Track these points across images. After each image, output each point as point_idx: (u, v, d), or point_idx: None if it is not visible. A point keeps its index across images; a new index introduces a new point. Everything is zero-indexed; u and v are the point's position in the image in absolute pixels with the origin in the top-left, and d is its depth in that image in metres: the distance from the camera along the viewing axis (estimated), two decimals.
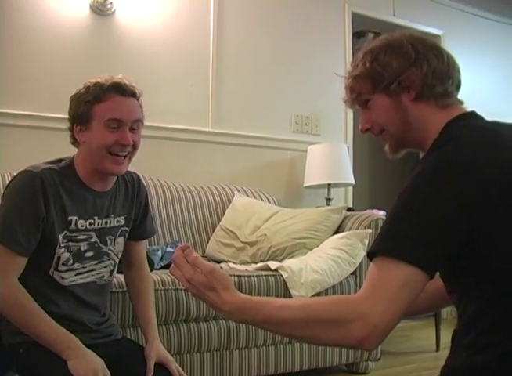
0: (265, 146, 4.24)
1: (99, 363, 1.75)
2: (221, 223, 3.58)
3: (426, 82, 1.32)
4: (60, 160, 1.95)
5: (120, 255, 2.05)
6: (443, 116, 1.32)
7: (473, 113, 1.35)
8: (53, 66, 3.50)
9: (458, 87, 1.38)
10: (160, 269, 2.91)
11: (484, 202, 1.13)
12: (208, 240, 3.54)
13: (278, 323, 1.19)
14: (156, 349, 1.97)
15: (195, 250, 3.35)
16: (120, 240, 2.03)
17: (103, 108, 1.84)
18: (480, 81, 5.14)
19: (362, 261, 3.12)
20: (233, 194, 3.74)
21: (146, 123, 3.53)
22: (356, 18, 4.76)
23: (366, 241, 3.12)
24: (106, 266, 1.98)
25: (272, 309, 1.19)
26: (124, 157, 1.88)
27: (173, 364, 1.97)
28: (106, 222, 1.97)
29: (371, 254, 1.17)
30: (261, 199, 3.84)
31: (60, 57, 3.52)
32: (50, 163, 1.92)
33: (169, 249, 3.10)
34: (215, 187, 3.76)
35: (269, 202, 3.85)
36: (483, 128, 1.28)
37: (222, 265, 3.24)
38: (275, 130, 4.31)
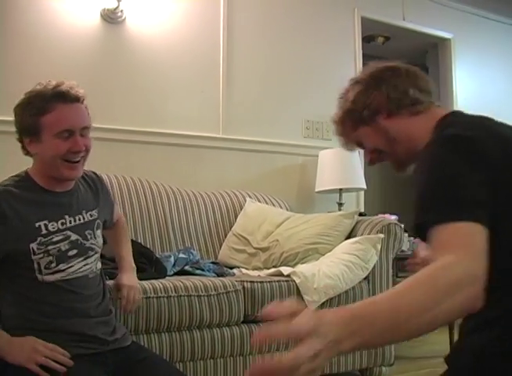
0: (276, 152, 4.25)
1: (30, 340, 1.78)
2: (233, 229, 3.58)
3: (390, 99, 1.45)
4: (16, 176, 1.96)
5: (102, 246, 2.09)
6: (420, 120, 1.43)
7: (457, 111, 1.44)
8: (65, 74, 3.49)
9: (428, 92, 1.48)
10: (172, 275, 2.91)
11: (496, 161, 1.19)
12: (220, 246, 3.54)
13: (399, 320, 0.97)
14: (127, 278, 2.20)
15: (207, 256, 3.40)
16: (99, 232, 2.06)
17: (51, 119, 1.84)
18: (490, 84, 5.13)
19: (374, 266, 3.11)
20: (245, 200, 3.74)
21: (158, 130, 3.60)
22: (366, 22, 4.77)
23: (379, 246, 3.11)
24: (94, 260, 2.01)
25: (377, 306, 0.98)
26: (78, 161, 1.91)
27: (125, 289, 2.17)
28: (79, 219, 1.98)
29: (423, 227, 1.12)
30: (273, 204, 3.84)
31: (71, 66, 3.54)
32: (5, 181, 1.93)
33: (181, 255, 3.10)
34: (227, 193, 3.77)
35: (281, 207, 3.85)
36: (473, 118, 1.36)
37: (235, 271, 3.25)
38: (286, 135, 4.32)
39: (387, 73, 1.48)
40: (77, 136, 1.87)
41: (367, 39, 5.14)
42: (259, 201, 3.80)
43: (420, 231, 1.14)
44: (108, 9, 3.63)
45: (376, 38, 5.26)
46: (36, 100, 1.85)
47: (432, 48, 5.42)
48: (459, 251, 1.04)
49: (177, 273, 2.97)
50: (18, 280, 1.87)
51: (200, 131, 3.93)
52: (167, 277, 2.78)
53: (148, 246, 3.12)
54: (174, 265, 3.01)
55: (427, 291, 0.99)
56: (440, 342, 4.02)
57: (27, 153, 1.94)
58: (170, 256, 3.05)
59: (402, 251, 3.69)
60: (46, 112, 1.83)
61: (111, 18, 3.65)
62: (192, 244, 3.44)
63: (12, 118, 1.92)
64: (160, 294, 2.48)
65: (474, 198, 1.13)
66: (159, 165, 3.66)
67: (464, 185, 1.15)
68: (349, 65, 4.67)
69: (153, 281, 2.54)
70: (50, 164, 1.88)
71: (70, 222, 1.95)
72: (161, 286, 2.51)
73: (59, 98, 1.85)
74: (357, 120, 1.50)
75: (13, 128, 1.92)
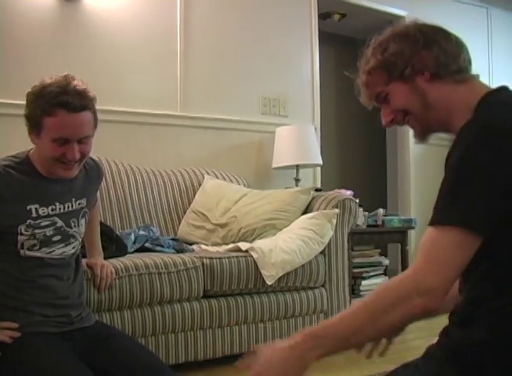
0: (233, 129, 4.29)
1: None
2: (191, 206, 3.63)
3: (438, 61, 1.35)
4: (15, 156, 2.00)
5: (83, 235, 2.14)
6: (462, 90, 1.35)
7: (503, 89, 1.36)
8: (22, 53, 3.49)
9: (470, 63, 1.40)
10: (133, 252, 2.96)
11: None
12: (180, 222, 3.59)
13: (347, 336, 1.21)
14: (99, 260, 2.41)
15: (167, 233, 3.44)
16: (83, 221, 2.12)
17: (51, 123, 1.86)
18: None
19: (330, 240, 3.20)
20: (203, 177, 3.79)
21: (116, 108, 3.61)
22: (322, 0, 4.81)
23: (334, 221, 3.20)
24: (73, 247, 2.07)
25: (334, 327, 1.22)
26: (72, 164, 1.95)
27: (98, 267, 2.38)
28: (68, 206, 2.04)
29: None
30: (231, 181, 3.90)
31: (27, 43, 3.51)
32: (5, 160, 1.98)
33: (141, 232, 3.14)
34: (185, 170, 3.81)
35: (239, 184, 3.90)
36: None
37: (194, 247, 3.30)
38: (244, 112, 4.36)
39: (441, 34, 1.39)
40: (73, 144, 1.89)
41: (323, 16, 5.17)
42: (217, 178, 3.85)
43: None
44: None
45: (332, 15, 5.30)
46: (44, 100, 1.86)
47: (387, 25, 5.46)
48: (422, 262, 1.17)
49: (137, 250, 3.01)
50: None
51: (158, 109, 3.95)
52: (127, 255, 2.83)
53: (108, 224, 3.15)
54: (134, 242, 3.05)
55: (367, 310, 1.20)
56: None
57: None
58: (130, 233, 3.08)
59: (357, 225, 3.79)
60: (50, 115, 1.85)
61: None
62: (151, 221, 3.48)
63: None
64: (121, 274, 2.53)
65: (485, 207, 1.16)
66: (117, 144, 3.68)
67: (482, 193, 1.16)
68: (305, 42, 4.71)
69: (114, 261, 2.59)
70: (46, 161, 1.94)
71: (60, 209, 2.00)
72: (122, 265, 2.56)
73: (63, 106, 1.85)
74: (394, 74, 1.38)
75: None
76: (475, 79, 1.39)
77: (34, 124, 1.90)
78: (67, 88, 1.87)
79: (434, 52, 1.35)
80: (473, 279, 1.27)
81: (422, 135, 1.44)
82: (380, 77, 1.41)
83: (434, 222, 1.20)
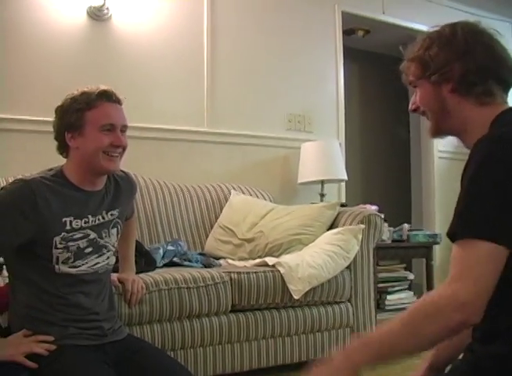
0: (259, 145, 4.34)
1: (12, 337, 1.95)
2: (218, 221, 3.68)
3: (465, 79, 1.36)
4: (50, 169, 2.08)
5: (116, 245, 2.19)
6: (484, 112, 1.36)
7: None
8: (52, 71, 3.58)
9: (508, 86, 1.41)
10: (162, 267, 3.01)
11: None
12: (207, 237, 3.64)
13: (390, 346, 1.22)
14: (130, 275, 2.45)
15: (194, 248, 3.49)
16: (114, 231, 2.16)
17: (96, 114, 1.99)
18: None
19: (356, 255, 3.23)
20: (230, 192, 3.84)
21: (144, 125, 3.68)
22: (346, 16, 4.86)
23: (360, 236, 3.22)
24: (107, 258, 2.12)
25: (380, 336, 1.24)
26: (116, 156, 2.05)
27: (129, 283, 2.43)
28: (99, 218, 2.09)
29: (451, 236, 1.24)
30: (257, 196, 3.94)
31: (59, 62, 3.61)
32: (40, 173, 2.05)
33: (170, 248, 3.19)
34: (212, 186, 3.86)
35: (265, 199, 3.94)
36: None
37: (221, 261, 3.34)
38: (269, 128, 4.41)
39: (483, 47, 1.37)
40: (118, 132, 2.02)
41: (348, 32, 5.22)
42: (243, 193, 3.90)
43: (449, 238, 1.25)
44: (94, 7, 3.68)
45: (356, 31, 5.35)
46: (82, 98, 2.00)
47: (411, 40, 5.50)
48: (456, 276, 1.19)
49: (166, 265, 3.07)
50: (34, 269, 1.98)
51: (185, 126, 4.02)
52: (156, 269, 2.88)
53: (137, 238, 3.21)
54: (163, 257, 3.10)
55: (407, 325, 1.21)
56: None
57: (63, 151, 2.06)
58: (159, 248, 3.14)
59: (383, 240, 3.81)
60: (92, 107, 1.99)
61: (97, 15, 3.71)
62: (179, 236, 3.53)
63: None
64: (151, 289, 2.58)
65: (497, 215, 1.18)
66: (146, 159, 3.75)
67: (489, 202, 1.19)
68: (330, 58, 4.77)
69: (144, 276, 2.63)
70: (91, 157, 2.00)
71: (92, 222, 2.06)
72: (152, 280, 2.61)
73: (104, 96, 2.01)
74: (426, 74, 1.41)
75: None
76: (502, 104, 1.38)
77: (75, 125, 1.99)
78: (102, 88, 2.04)
79: (465, 67, 1.35)
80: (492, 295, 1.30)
81: (434, 134, 1.48)
82: (416, 69, 1.44)
83: (459, 236, 1.21)
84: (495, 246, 1.17)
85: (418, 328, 1.19)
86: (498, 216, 1.18)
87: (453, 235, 1.22)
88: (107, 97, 2.02)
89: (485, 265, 1.17)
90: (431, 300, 1.22)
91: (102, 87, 2.04)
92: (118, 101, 2.06)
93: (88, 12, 3.69)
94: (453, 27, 1.41)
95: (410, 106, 1.50)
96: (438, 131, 1.47)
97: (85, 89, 2.03)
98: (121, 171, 2.24)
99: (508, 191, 1.18)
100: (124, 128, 2.06)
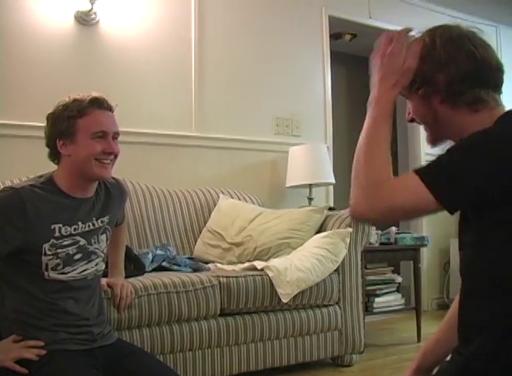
0: (247, 149, 4.35)
1: (2, 342, 1.95)
2: (207, 225, 3.69)
3: (451, 89, 1.33)
4: (40, 176, 2.09)
5: (106, 250, 2.20)
6: (477, 119, 1.33)
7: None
8: (39, 76, 3.57)
9: (496, 86, 1.37)
10: (151, 271, 3.02)
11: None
12: (196, 241, 3.65)
13: None
14: (119, 279, 2.46)
15: (183, 252, 3.50)
16: (103, 237, 2.17)
17: (87, 121, 2.00)
18: None
19: (344, 258, 3.25)
20: (218, 196, 3.85)
21: (132, 129, 3.69)
22: (333, 21, 4.88)
23: (348, 240, 3.25)
24: (96, 264, 2.13)
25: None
26: (108, 163, 2.06)
27: (118, 288, 2.44)
28: (89, 225, 2.10)
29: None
30: (245, 200, 3.96)
31: (46, 67, 3.60)
32: (30, 180, 2.07)
33: (159, 252, 3.20)
34: (201, 190, 3.87)
35: (253, 203, 3.96)
36: None
37: (210, 265, 3.35)
38: (257, 132, 4.42)
39: (464, 54, 1.34)
40: (110, 139, 2.03)
41: (335, 36, 5.24)
42: (232, 197, 3.91)
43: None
44: (82, 12, 3.68)
45: (343, 36, 5.37)
46: (73, 105, 2.01)
47: None
48: (385, 186, 1.27)
49: (155, 269, 3.07)
50: (23, 276, 1.99)
51: (173, 130, 4.02)
52: (145, 274, 2.89)
53: (126, 243, 3.21)
54: (152, 261, 3.10)
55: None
56: (408, 330, 4.19)
57: (54, 158, 2.07)
58: (148, 253, 3.14)
59: (370, 243, 3.84)
60: (83, 115, 1.99)
61: (85, 20, 3.71)
62: (168, 240, 3.54)
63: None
64: (140, 293, 2.59)
65: (453, 178, 1.21)
66: (134, 164, 3.74)
67: (455, 165, 1.22)
68: (317, 62, 4.79)
69: (133, 280, 2.64)
70: (83, 164, 2.01)
71: (82, 228, 2.07)
72: (141, 285, 2.62)
73: (95, 103, 2.02)
74: (412, 88, 1.39)
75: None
76: (496, 107, 1.36)
77: (67, 134, 1.99)
78: (94, 95, 2.04)
79: (449, 77, 1.33)
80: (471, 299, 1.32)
81: (433, 143, 1.47)
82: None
83: (417, 171, 1.25)
84: (426, 191, 1.21)
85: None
86: (450, 177, 1.21)
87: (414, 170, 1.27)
88: (99, 104, 2.03)
89: (408, 195, 1.23)
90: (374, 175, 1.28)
91: (94, 94, 2.05)
92: (110, 108, 2.07)
93: (75, 17, 3.69)
94: (432, 36, 1.38)
95: (406, 117, 1.48)
96: (437, 140, 1.45)
97: (77, 96, 2.03)
98: (112, 177, 2.25)
99: (476, 172, 1.20)
100: (116, 135, 2.07)
